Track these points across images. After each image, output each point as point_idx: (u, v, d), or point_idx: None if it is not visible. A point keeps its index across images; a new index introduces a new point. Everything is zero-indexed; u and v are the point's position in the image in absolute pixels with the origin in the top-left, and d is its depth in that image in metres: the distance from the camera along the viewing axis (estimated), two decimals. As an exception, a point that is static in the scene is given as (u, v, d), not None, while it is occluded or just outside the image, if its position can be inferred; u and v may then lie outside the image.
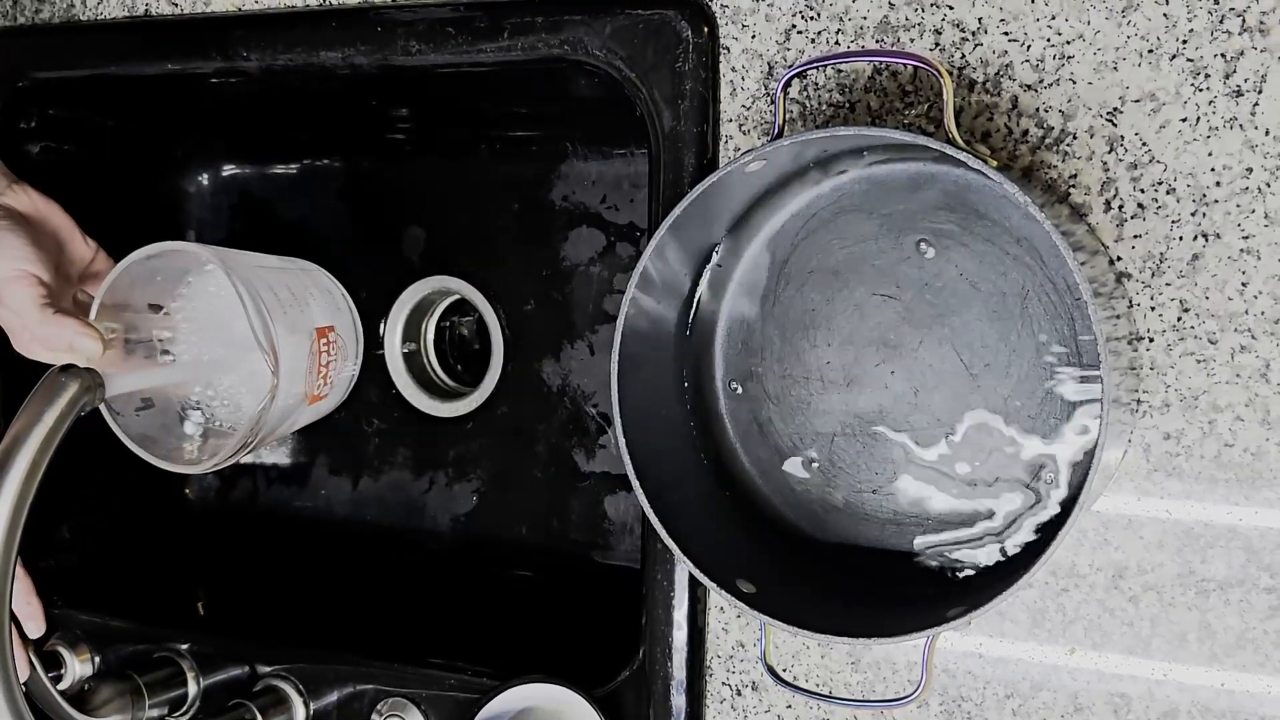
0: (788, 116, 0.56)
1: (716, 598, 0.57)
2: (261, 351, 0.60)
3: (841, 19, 0.55)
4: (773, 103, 0.55)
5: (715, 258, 0.56)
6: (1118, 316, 0.49)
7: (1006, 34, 0.52)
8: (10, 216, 0.58)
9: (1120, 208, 0.51)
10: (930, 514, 0.54)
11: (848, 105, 0.55)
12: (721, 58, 0.57)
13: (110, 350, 0.59)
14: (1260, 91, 0.49)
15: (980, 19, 0.53)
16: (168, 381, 0.62)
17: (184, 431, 0.63)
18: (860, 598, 0.53)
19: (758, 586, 0.51)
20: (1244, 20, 0.49)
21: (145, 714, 0.65)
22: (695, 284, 0.56)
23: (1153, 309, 0.51)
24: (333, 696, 0.65)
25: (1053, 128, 0.52)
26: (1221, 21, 0.49)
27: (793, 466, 0.56)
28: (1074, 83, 0.51)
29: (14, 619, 0.58)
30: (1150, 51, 0.50)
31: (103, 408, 0.60)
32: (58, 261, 0.60)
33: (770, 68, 0.56)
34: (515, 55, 0.60)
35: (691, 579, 0.58)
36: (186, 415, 0.64)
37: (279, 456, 0.84)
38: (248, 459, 0.84)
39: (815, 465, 0.56)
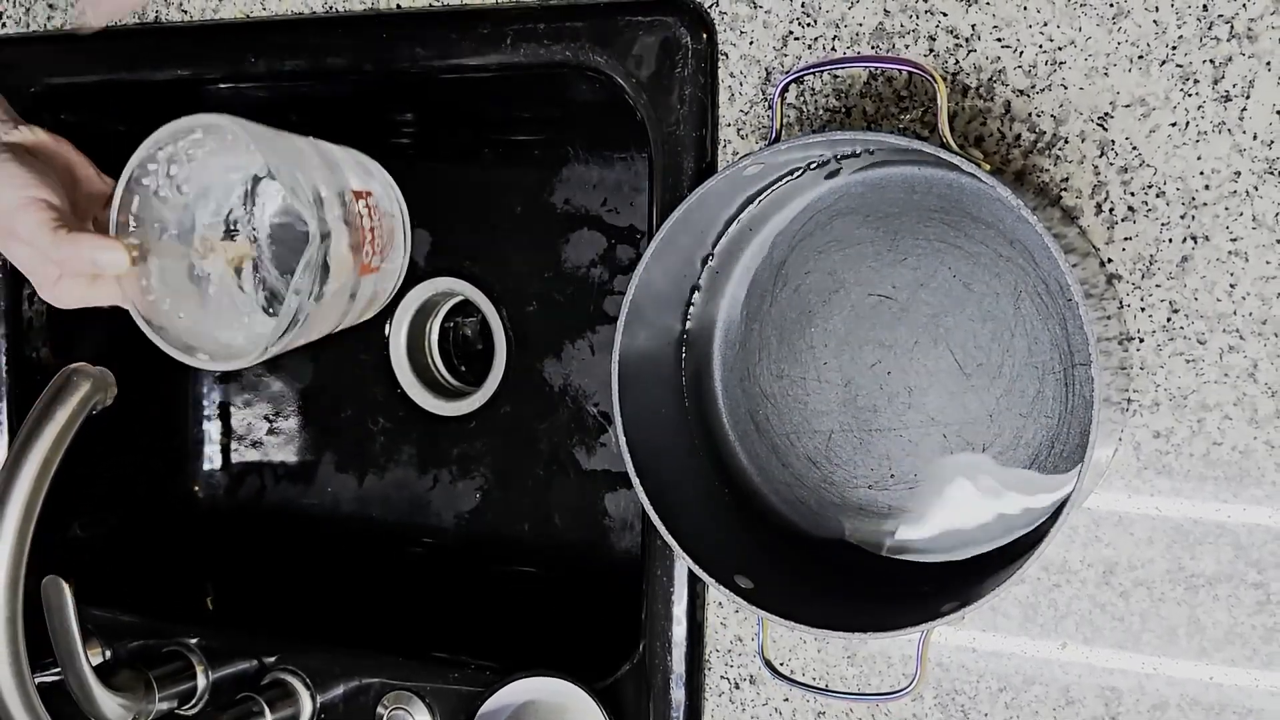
0: (785, 121, 0.57)
1: (715, 593, 0.58)
2: (299, 204, 0.55)
3: (838, 25, 0.56)
4: (770, 107, 0.56)
5: (713, 260, 0.57)
6: (1109, 317, 0.50)
7: (1000, 40, 0.53)
8: (10, 150, 0.55)
9: (1111, 210, 0.52)
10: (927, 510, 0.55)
11: (844, 110, 0.56)
12: (720, 63, 0.58)
13: (138, 266, 0.55)
14: (1248, 97, 0.50)
15: (974, 25, 0.54)
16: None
17: (230, 321, 0.58)
18: (856, 593, 0.54)
19: (755, 582, 0.52)
20: (1232, 26, 0.50)
21: (155, 706, 0.66)
22: (694, 285, 0.57)
23: (1143, 310, 0.52)
24: (339, 690, 0.66)
25: (1045, 132, 0.53)
26: (1210, 28, 0.50)
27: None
28: (1066, 88, 0.52)
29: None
30: (1140, 57, 0.51)
31: (141, 322, 0.56)
32: (73, 198, 0.56)
33: (768, 73, 0.57)
34: (517, 61, 0.61)
35: (690, 575, 0.59)
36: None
37: (286, 454, 0.85)
38: (254, 456, 0.86)
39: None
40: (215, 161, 0.57)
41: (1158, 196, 0.51)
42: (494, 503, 0.79)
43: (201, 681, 0.69)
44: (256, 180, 0.59)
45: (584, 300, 0.75)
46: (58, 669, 0.66)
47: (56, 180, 0.55)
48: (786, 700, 0.58)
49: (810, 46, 0.56)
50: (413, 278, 0.80)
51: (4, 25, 0.75)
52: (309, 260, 0.55)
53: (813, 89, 0.57)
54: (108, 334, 0.78)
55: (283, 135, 0.58)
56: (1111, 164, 0.52)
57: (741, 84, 0.58)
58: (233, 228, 0.59)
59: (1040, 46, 0.53)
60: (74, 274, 0.53)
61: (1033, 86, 0.53)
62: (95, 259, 0.52)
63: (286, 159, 0.56)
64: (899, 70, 0.54)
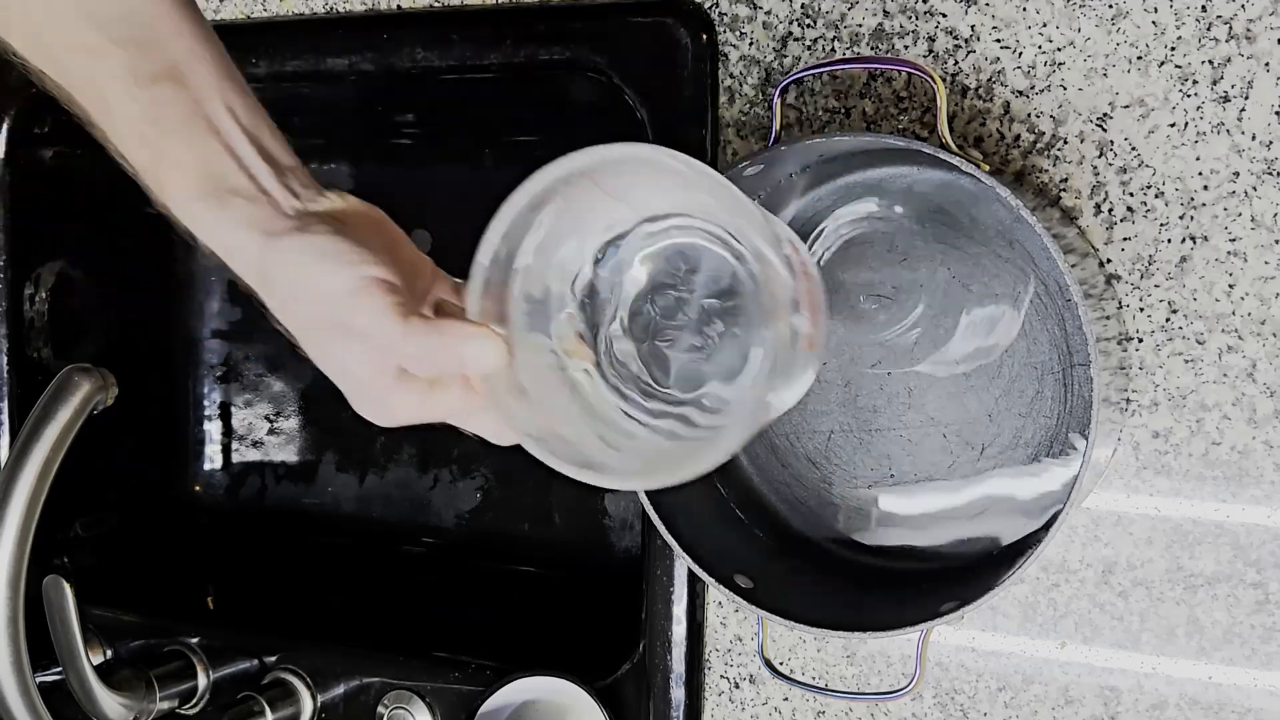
0: (785, 122, 0.57)
1: (715, 593, 0.58)
2: (757, 260, 0.38)
3: (837, 26, 0.56)
4: (770, 108, 0.56)
5: (714, 260, 0.57)
6: (1107, 317, 0.50)
7: (999, 41, 0.53)
8: (327, 221, 0.42)
9: (1110, 211, 0.52)
10: (925, 509, 0.55)
11: (843, 111, 0.56)
12: (720, 64, 0.58)
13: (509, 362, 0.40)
14: (1247, 97, 0.50)
15: (973, 27, 0.54)
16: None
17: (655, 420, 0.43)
18: (856, 593, 0.54)
19: (755, 582, 0.52)
20: (1231, 27, 0.50)
21: (155, 706, 0.66)
22: (694, 285, 0.58)
23: (1142, 310, 0.52)
24: (339, 689, 0.66)
25: (1044, 133, 0.53)
26: (1209, 29, 0.50)
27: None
28: (1065, 89, 0.52)
29: None
30: (1139, 58, 0.51)
31: (531, 444, 0.40)
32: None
33: (768, 74, 0.57)
34: (517, 61, 0.61)
35: (690, 574, 0.59)
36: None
37: (287, 454, 0.85)
38: (255, 456, 0.86)
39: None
40: (589, 217, 0.42)
41: (1156, 197, 0.52)
42: (494, 502, 0.79)
43: (202, 681, 0.69)
44: (616, 241, 0.42)
45: (584, 300, 0.75)
46: (58, 669, 0.66)
47: (387, 256, 0.42)
48: (786, 700, 0.58)
49: (810, 48, 0.57)
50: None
51: (5, 26, 0.75)
52: (773, 340, 0.38)
53: (812, 90, 0.57)
54: (108, 334, 0.79)
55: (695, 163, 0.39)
56: (1110, 164, 0.52)
57: (741, 85, 0.58)
58: (593, 307, 0.43)
59: (1039, 47, 0.53)
60: (429, 373, 0.42)
61: (1032, 87, 0.53)
62: (464, 353, 0.40)
63: (727, 205, 0.38)
64: (898, 71, 0.55)
